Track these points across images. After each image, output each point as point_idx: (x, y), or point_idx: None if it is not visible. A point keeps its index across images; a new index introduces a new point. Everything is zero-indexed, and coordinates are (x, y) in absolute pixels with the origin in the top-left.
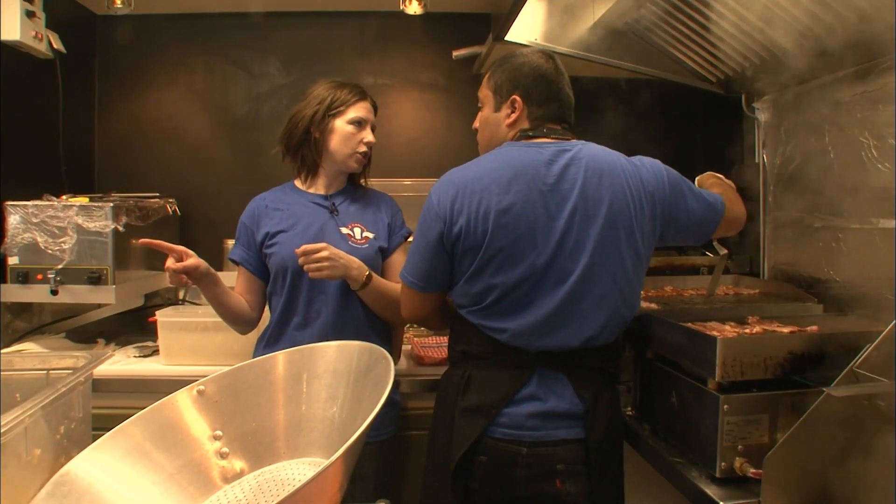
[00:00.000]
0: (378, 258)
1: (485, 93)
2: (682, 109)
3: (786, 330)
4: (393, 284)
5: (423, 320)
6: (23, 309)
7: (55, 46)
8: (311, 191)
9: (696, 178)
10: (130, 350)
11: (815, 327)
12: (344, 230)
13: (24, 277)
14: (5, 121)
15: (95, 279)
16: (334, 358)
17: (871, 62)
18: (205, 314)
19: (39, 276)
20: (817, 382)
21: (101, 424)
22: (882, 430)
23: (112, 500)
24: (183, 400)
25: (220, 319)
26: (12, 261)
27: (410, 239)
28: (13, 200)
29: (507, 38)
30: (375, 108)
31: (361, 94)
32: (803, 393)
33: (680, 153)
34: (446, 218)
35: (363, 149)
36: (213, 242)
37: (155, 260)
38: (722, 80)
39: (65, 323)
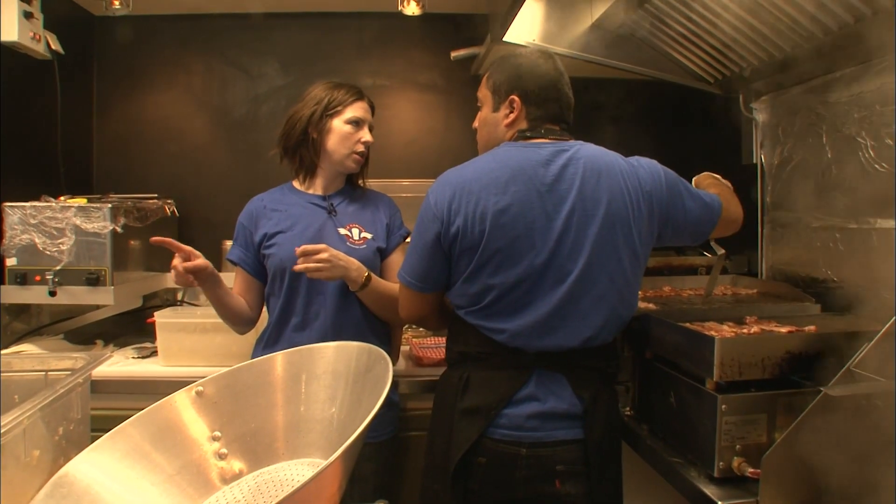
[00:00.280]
0: (376, 258)
1: (484, 93)
2: (680, 110)
3: (784, 330)
4: (392, 285)
5: (421, 320)
6: (21, 310)
7: (53, 47)
8: (310, 191)
9: (694, 179)
10: (129, 351)
11: (812, 327)
12: (342, 231)
13: (23, 279)
14: (4, 122)
15: (94, 280)
16: (333, 359)
17: (868, 62)
18: (203, 315)
19: (38, 278)
20: (815, 382)
21: (100, 426)
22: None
23: (111, 501)
24: (182, 401)
25: (218, 320)
26: (10, 262)
27: (409, 239)
28: (11, 201)
29: (506, 38)
30: (373, 109)
31: (359, 95)
32: (801, 393)
33: (677, 153)
34: (443, 218)
35: (361, 148)
36: (212, 243)
37: (153, 261)
38: (719, 81)
39: (63, 324)
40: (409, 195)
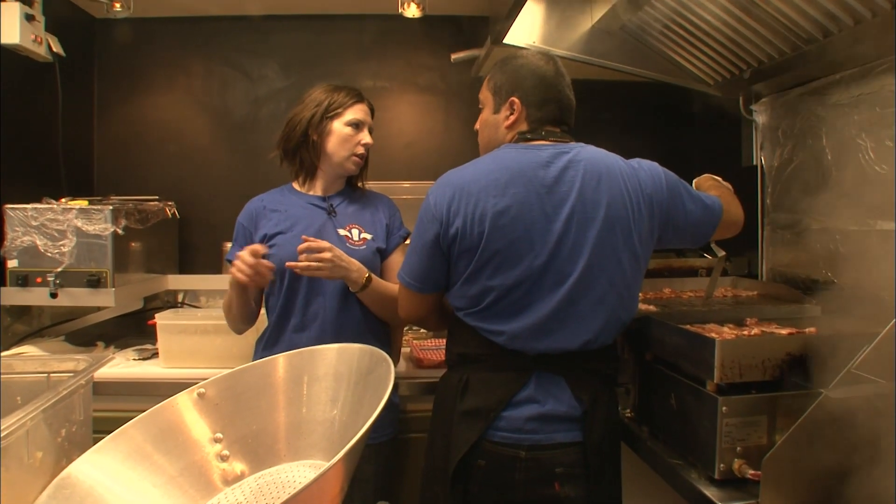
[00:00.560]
0: (376, 259)
1: (485, 94)
2: (680, 112)
3: (784, 332)
4: (392, 286)
5: (420, 321)
6: (22, 312)
7: (54, 50)
8: (310, 193)
9: (694, 181)
10: (130, 353)
11: (813, 329)
12: (342, 231)
13: (24, 280)
14: (5, 124)
15: (95, 282)
16: (335, 361)
17: (867, 65)
18: (204, 317)
19: (39, 280)
20: (815, 384)
21: (101, 427)
22: (880, 431)
23: (113, 502)
24: (183, 402)
25: (219, 322)
26: (12, 264)
27: (408, 241)
28: (13, 204)
29: (506, 40)
30: (372, 111)
31: (358, 97)
32: (802, 394)
33: (678, 155)
34: (442, 219)
35: (361, 150)
36: (212, 245)
37: (154, 263)
38: (719, 83)
39: (64, 326)
40: (409, 197)
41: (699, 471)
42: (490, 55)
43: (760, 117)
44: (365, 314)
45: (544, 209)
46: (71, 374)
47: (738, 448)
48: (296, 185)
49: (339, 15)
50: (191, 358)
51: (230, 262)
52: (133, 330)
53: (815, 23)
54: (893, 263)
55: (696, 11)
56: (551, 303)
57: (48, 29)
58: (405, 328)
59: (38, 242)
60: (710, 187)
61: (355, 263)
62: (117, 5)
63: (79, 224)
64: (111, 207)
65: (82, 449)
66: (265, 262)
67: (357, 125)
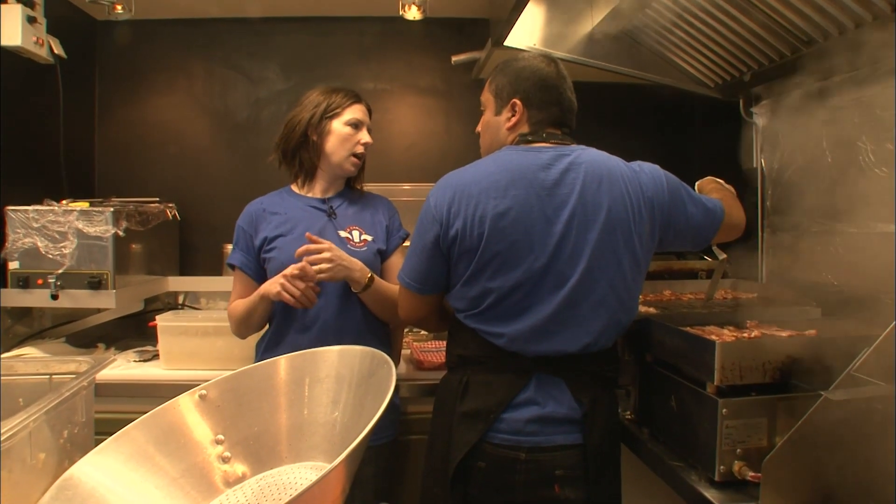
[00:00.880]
0: (377, 260)
1: (486, 96)
2: (681, 114)
3: (784, 334)
4: (393, 286)
5: (420, 322)
6: (23, 313)
7: (56, 52)
8: (309, 195)
9: (697, 183)
10: (130, 354)
11: (813, 331)
12: (342, 233)
13: (25, 282)
14: (6, 126)
15: (96, 284)
16: (336, 363)
17: (867, 67)
18: (204, 319)
19: (40, 281)
20: (816, 386)
21: (102, 429)
22: (880, 433)
23: (115, 503)
24: (185, 404)
25: (219, 324)
26: (13, 265)
27: (407, 243)
28: (14, 205)
29: (506, 43)
30: (370, 112)
31: (356, 98)
32: (802, 397)
33: (678, 158)
34: (442, 221)
35: (360, 150)
36: (213, 247)
37: (155, 265)
38: (720, 85)
39: (65, 327)
40: (409, 199)
41: (699, 473)
42: (491, 57)
43: (761, 120)
44: (365, 315)
45: (545, 211)
46: (73, 376)
47: (739, 450)
48: (294, 188)
49: (340, 17)
50: (191, 360)
51: (232, 265)
52: (134, 332)
53: (816, 25)
54: (893, 266)
55: (696, 14)
56: (551, 305)
57: (49, 31)
58: (405, 330)
59: (39, 244)
60: (713, 190)
61: (357, 263)
62: (118, 7)
63: (80, 226)
64: (112, 209)
65: (84, 450)
66: (314, 286)
67: (356, 125)
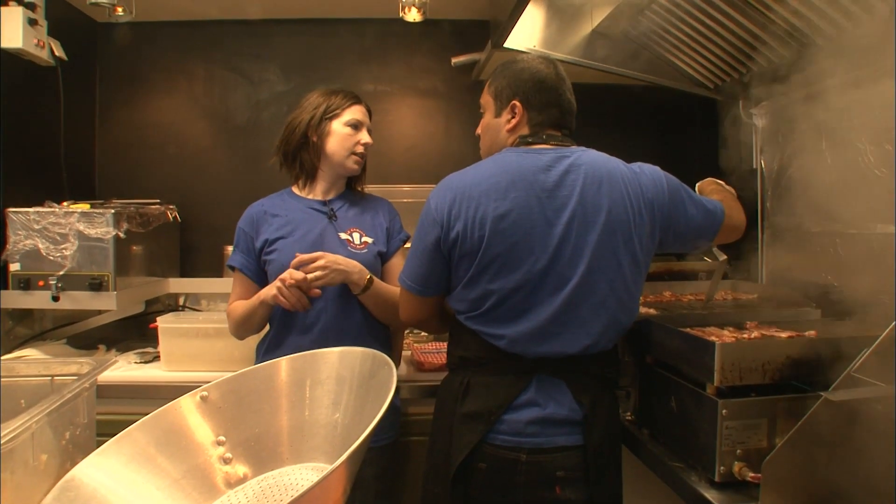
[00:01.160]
0: (377, 262)
1: (486, 98)
2: (680, 115)
3: (784, 335)
4: (394, 288)
5: (421, 323)
6: (24, 315)
7: (57, 54)
8: (309, 197)
9: (697, 185)
10: (131, 356)
11: (813, 332)
12: (343, 235)
13: (26, 284)
14: (7, 128)
15: (96, 285)
16: (337, 364)
17: (867, 68)
18: (205, 320)
19: (41, 283)
20: (815, 387)
21: (103, 430)
22: (880, 433)
23: None
24: (186, 405)
25: (220, 326)
26: (14, 267)
27: (408, 245)
28: (15, 207)
29: (506, 44)
30: (370, 113)
31: (356, 99)
32: (802, 397)
33: (678, 159)
34: (443, 223)
35: (360, 150)
36: (214, 249)
37: (156, 266)
38: (719, 87)
39: (66, 329)
40: (409, 201)
41: (699, 473)
42: (491, 59)
43: (760, 121)
44: (366, 317)
45: (545, 213)
46: (74, 378)
47: (739, 451)
48: (295, 190)
49: (340, 19)
50: (192, 361)
51: (232, 267)
52: (134, 333)
53: (815, 26)
54: (893, 267)
55: (696, 16)
56: (552, 307)
57: (50, 33)
58: (406, 331)
59: (40, 246)
60: (713, 191)
61: (356, 266)
62: (119, 9)
63: (80, 227)
64: (113, 211)
65: (86, 452)
66: (314, 291)
67: (356, 125)
